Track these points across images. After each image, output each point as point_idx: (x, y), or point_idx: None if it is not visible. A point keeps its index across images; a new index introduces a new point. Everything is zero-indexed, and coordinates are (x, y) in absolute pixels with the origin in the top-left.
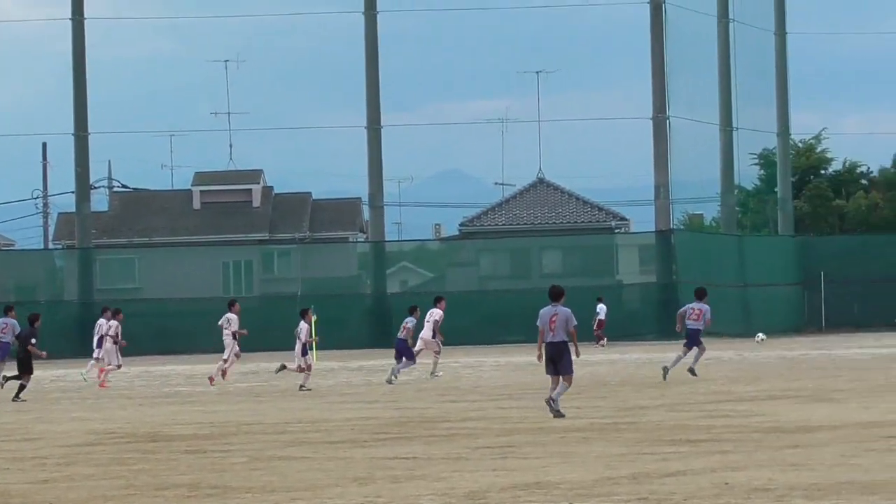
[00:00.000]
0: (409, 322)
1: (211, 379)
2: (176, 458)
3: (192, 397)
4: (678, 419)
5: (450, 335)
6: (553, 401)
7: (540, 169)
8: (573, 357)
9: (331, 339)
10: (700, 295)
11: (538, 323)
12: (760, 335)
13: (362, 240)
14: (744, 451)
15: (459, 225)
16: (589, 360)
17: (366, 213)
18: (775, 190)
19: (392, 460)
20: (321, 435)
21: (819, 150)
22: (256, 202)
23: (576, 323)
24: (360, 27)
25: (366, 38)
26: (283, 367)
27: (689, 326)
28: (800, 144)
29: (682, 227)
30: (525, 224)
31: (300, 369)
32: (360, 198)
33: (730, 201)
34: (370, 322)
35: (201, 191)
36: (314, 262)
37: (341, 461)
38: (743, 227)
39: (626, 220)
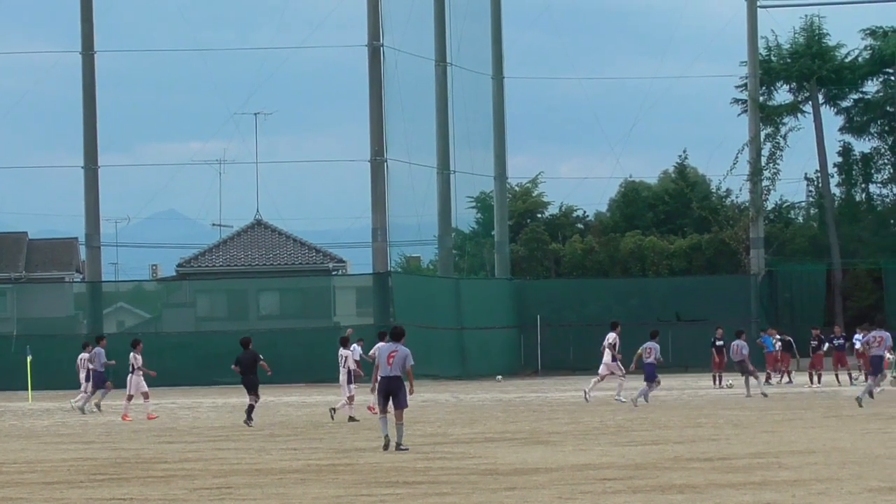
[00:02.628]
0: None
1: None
2: None
3: None
4: (395, 461)
5: (165, 376)
6: (398, 444)
7: (258, 210)
8: (408, 393)
9: (45, 379)
10: (654, 335)
11: (375, 358)
12: (499, 376)
13: (79, 280)
14: (461, 493)
15: (176, 266)
16: (306, 401)
17: (83, 253)
18: (492, 233)
19: (109, 501)
20: (37, 476)
21: (535, 193)
22: None
23: (413, 363)
24: (78, 67)
25: (83, 78)
26: (333, 411)
27: (645, 361)
28: (517, 188)
29: (399, 269)
30: (242, 265)
31: (350, 399)
32: (76, 238)
33: (447, 244)
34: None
35: None
36: (29, 302)
37: (57, 502)
38: (460, 269)
39: (344, 261)
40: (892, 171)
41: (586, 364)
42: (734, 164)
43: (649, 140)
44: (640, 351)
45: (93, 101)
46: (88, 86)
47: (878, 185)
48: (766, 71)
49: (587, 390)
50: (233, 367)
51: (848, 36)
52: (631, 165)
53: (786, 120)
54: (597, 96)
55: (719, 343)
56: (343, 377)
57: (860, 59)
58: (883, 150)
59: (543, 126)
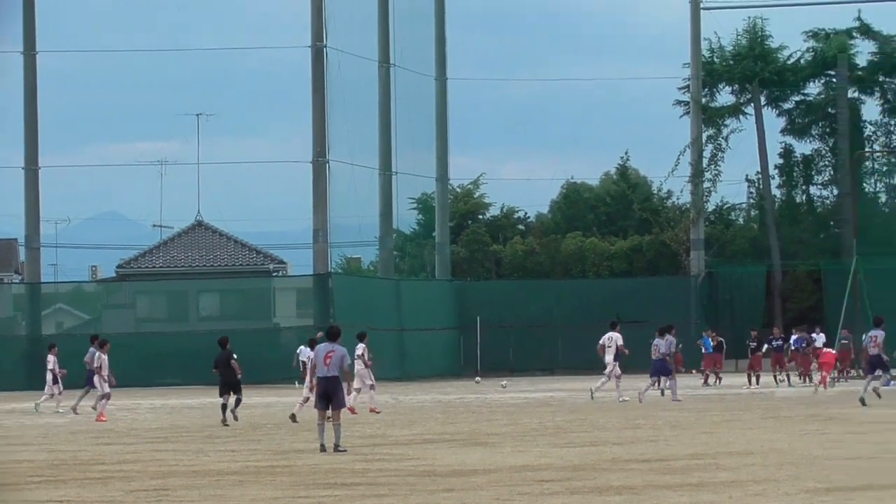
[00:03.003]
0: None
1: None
2: None
3: None
4: (333, 463)
5: None
6: (336, 446)
7: (199, 212)
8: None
9: None
10: (661, 332)
11: (313, 358)
12: (477, 378)
13: (18, 281)
14: (399, 494)
15: (116, 267)
16: (246, 402)
17: (22, 254)
18: (433, 234)
19: (45, 503)
20: None
21: (477, 195)
22: None
23: (350, 361)
24: (20, 66)
25: (24, 78)
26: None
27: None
28: (458, 189)
29: (340, 270)
30: (183, 266)
31: (305, 400)
32: (16, 239)
33: (388, 245)
34: (25, 364)
35: None
36: None
37: None
38: (401, 271)
39: (285, 263)
40: (832, 172)
41: (526, 365)
42: (676, 165)
43: (591, 142)
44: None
45: (34, 101)
46: (30, 86)
47: (819, 186)
48: (709, 73)
49: (593, 389)
50: (214, 371)
51: (790, 38)
52: (573, 167)
53: (728, 121)
54: (540, 98)
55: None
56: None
57: (802, 61)
58: (824, 151)
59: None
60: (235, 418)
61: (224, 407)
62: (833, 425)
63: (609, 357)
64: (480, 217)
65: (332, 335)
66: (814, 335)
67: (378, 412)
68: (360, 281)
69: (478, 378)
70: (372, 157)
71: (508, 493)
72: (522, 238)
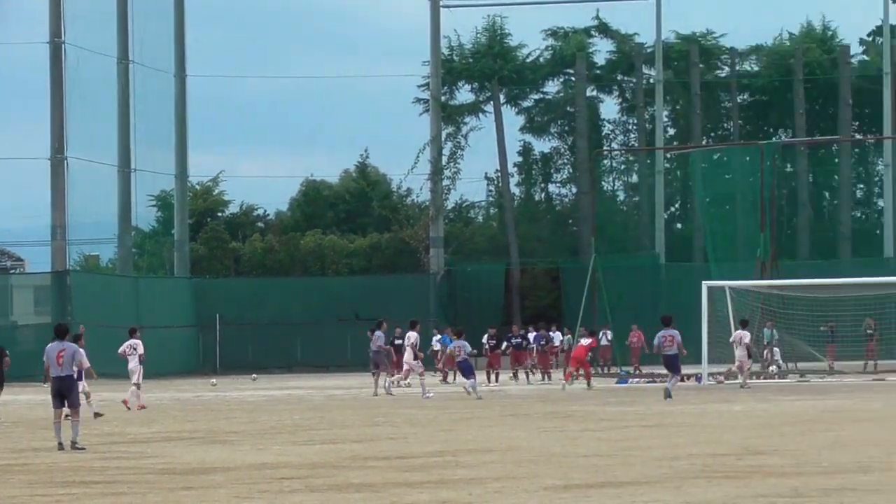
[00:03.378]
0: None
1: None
2: None
3: None
4: (72, 461)
5: None
6: (73, 444)
7: None
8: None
9: None
10: (667, 321)
11: (45, 358)
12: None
13: None
14: (137, 492)
15: None
16: None
17: None
18: (172, 232)
19: None
20: None
21: (216, 192)
22: None
23: (80, 360)
24: None
25: None
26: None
27: (666, 353)
28: (198, 187)
29: (78, 268)
30: None
31: (422, 374)
32: None
33: (127, 242)
34: None
35: None
36: None
37: None
38: (139, 268)
39: (22, 260)
40: (571, 171)
41: (265, 363)
42: (415, 163)
43: (331, 139)
44: (655, 341)
45: None
46: None
47: (558, 184)
48: (449, 70)
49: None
50: None
51: (530, 36)
52: (312, 164)
53: (467, 119)
54: (280, 96)
55: (398, 342)
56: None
57: (541, 59)
58: (562, 150)
59: (226, 124)
60: None
61: None
62: (571, 423)
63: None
64: (220, 214)
65: (59, 333)
66: (551, 333)
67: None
68: (98, 278)
69: (213, 381)
70: (111, 154)
71: (248, 490)
72: (262, 236)
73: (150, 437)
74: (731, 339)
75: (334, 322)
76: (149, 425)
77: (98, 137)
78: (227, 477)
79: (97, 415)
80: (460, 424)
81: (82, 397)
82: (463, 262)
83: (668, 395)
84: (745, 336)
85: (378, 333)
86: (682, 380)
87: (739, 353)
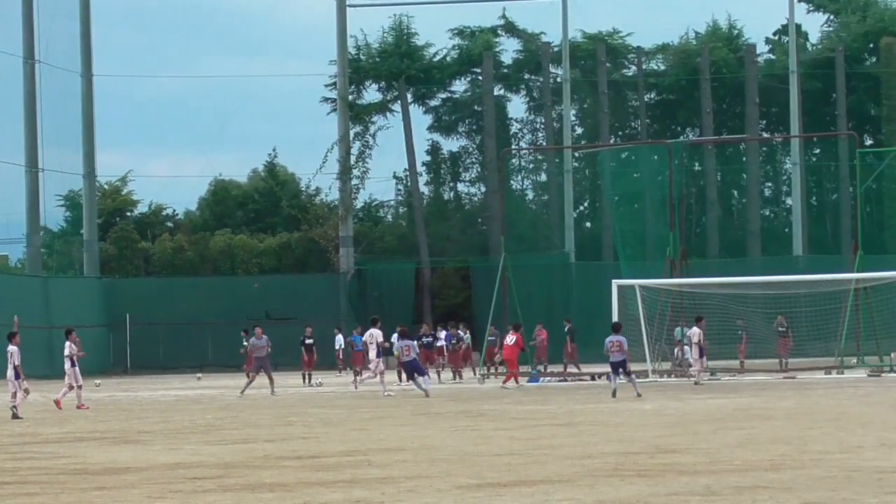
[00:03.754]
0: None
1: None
2: None
3: None
4: None
5: None
6: None
7: None
8: None
9: None
10: (616, 328)
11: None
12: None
13: None
14: (50, 493)
15: None
16: None
17: None
18: (81, 231)
19: None
20: None
21: (125, 192)
22: None
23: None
24: None
25: None
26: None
27: (612, 360)
28: (106, 186)
29: None
30: None
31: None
32: None
33: (36, 242)
34: None
35: None
36: None
37: None
38: (49, 268)
39: None
40: (479, 170)
41: (176, 363)
42: (324, 162)
43: (240, 139)
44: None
45: None
46: None
47: (466, 183)
48: (356, 70)
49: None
50: None
51: (436, 36)
52: (221, 164)
53: (375, 119)
54: (187, 95)
55: (308, 341)
56: (68, 369)
57: (448, 58)
58: (470, 149)
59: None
60: None
61: None
62: (484, 421)
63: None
64: (129, 214)
65: None
66: (460, 332)
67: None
68: (6, 279)
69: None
70: (18, 154)
71: (161, 490)
72: (171, 235)
73: (62, 437)
74: (678, 337)
75: (245, 321)
76: (61, 425)
77: (5, 137)
78: (141, 477)
79: (15, 416)
80: (372, 423)
81: (20, 395)
82: (373, 262)
83: (614, 394)
84: (695, 334)
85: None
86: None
87: (693, 349)
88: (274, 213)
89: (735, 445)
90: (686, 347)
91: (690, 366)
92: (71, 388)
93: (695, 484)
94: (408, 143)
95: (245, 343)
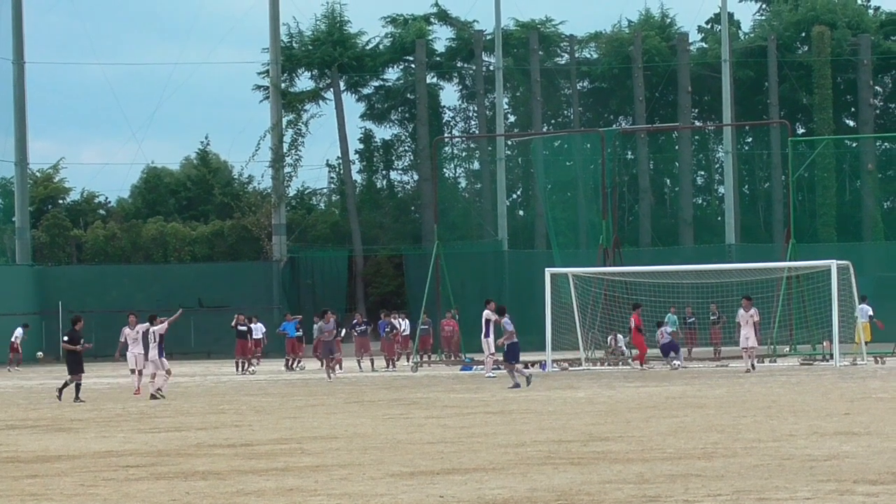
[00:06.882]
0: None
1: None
2: None
3: None
4: None
5: None
6: None
7: None
8: None
9: None
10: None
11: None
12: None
13: None
14: None
15: None
16: None
17: None
18: (13, 219)
19: None
20: None
21: (57, 179)
22: None
23: None
24: None
25: None
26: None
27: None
28: (38, 174)
29: None
30: None
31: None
32: None
33: None
34: None
35: None
36: None
37: None
38: None
39: None
40: (412, 158)
41: (108, 350)
42: (256, 150)
43: (172, 126)
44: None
45: None
46: None
47: (399, 171)
48: (289, 58)
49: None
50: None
51: (369, 24)
52: (153, 152)
53: (308, 107)
54: (118, 82)
55: (241, 329)
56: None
57: (381, 46)
58: (403, 137)
59: (65, 111)
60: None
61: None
62: (416, 409)
63: None
64: (61, 202)
65: None
66: (393, 320)
67: None
68: None
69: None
70: None
71: (93, 478)
72: (103, 223)
73: None
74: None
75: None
76: None
77: None
78: (73, 465)
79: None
80: (305, 412)
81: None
82: (305, 250)
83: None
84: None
85: (321, 324)
86: (525, 367)
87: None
88: (206, 200)
89: (667, 434)
90: (619, 335)
91: (623, 354)
92: (169, 373)
93: (627, 472)
94: (340, 131)
95: (315, 326)
